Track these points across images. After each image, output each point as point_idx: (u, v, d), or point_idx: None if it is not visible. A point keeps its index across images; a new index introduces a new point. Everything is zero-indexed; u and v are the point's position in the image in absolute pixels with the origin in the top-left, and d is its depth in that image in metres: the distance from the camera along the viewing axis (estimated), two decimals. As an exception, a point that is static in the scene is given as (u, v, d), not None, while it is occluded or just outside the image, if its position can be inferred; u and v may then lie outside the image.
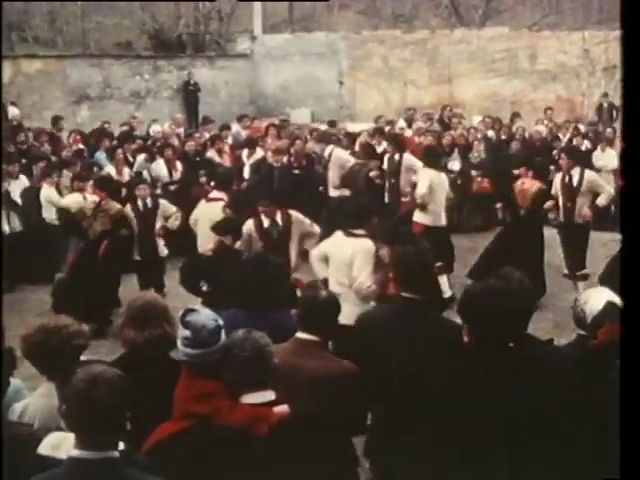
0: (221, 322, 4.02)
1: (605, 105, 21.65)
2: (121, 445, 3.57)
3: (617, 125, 17.92)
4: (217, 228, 8.96)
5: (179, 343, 4.02)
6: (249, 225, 9.16)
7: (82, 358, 4.53)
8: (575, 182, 11.28)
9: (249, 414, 3.81)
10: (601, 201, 11.41)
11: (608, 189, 11.60)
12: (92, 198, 11.27)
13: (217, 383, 3.92)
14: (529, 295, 4.25)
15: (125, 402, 3.23)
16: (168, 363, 4.67)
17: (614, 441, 3.18)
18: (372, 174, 13.10)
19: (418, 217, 11.44)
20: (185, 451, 3.73)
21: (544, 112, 20.77)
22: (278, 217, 9.24)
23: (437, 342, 4.56)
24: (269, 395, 3.91)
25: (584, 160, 12.71)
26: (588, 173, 11.58)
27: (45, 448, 3.62)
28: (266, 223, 9.21)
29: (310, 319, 4.70)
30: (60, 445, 3.58)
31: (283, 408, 3.87)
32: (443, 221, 11.54)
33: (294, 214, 9.37)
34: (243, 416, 3.80)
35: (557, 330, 9.31)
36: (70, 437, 3.39)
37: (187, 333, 3.95)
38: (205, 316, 4.01)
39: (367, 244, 7.52)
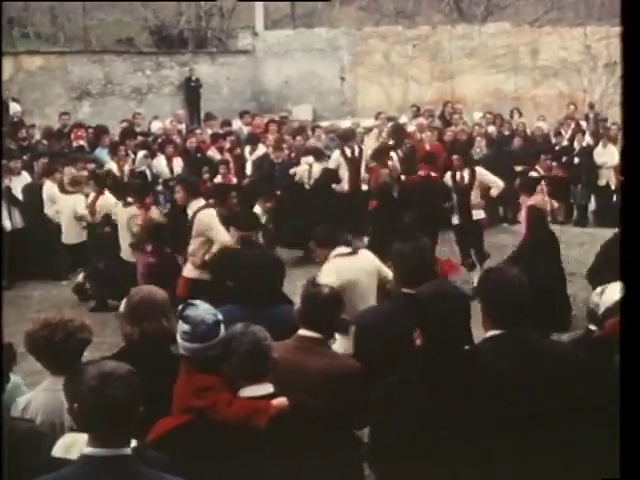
0: (220, 316, 4.02)
1: (591, 116, 21.04)
2: (134, 442, 3.59)
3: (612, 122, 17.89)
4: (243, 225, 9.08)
5: (178, 337, 4.02)
6: None
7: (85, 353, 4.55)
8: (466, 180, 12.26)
9: (247, 407, 3.81)
10: (493, 192, 12.52)
11: (498, 182, 12.56)
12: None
13: (215, 377, 3.92)
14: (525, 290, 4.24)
15: (138, 399, 3.22)
16: (168, 358, 4.68)
17: (614, 441, 3.18)
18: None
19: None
20: (186, 445, 3.73)
21: (567, 107, 20.65)
22: None
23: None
24: (267, 388, 3.91)
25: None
26: (478, 170, 12.54)
27: (58, 450, 3.62)
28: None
29: (312, 316, 4.70)
30: (72, 446, 3.57)
31: (281, 400, 3.87)
32: None
33: None
34: (241, 409, 3.81)
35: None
36: (83, 438, 3.39)
37: (186, 327, 3.96)
38: (204, 310, 4.01)
39: None
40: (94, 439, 3.17)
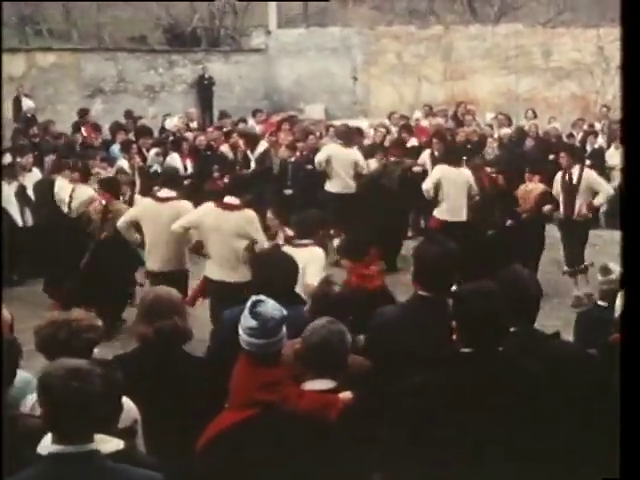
0: (285, 313, 4.07)
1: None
2: (121, 444, 3.60)
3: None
4: None
5: (242, 333, 4.05)
6: None
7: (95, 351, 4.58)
8: (574, 180, 11.69)
9: (318, 400, 3.90)
10: (599, 200, 11.92)
11: (606, 188, 11.97)
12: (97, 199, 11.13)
13: (281, 371, 3.99)
14: (537, 290, 4.30)
15: (106, 394, 3.23)
16: (181, 357, 4.72)
17: (614, 441, 3.19)
18: (415, 169, 13.79)
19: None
20: (253, 438, 3.72)
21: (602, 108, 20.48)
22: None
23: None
24: (329, 383, 3.98)
25: (583, 158, 13.42)
26: (587, 171, 11.97)
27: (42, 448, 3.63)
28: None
29: (322, 315, 4.72)
30: None
31: (347, 394, 3.94)
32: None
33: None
34: (312, 402, 3.89)
35: (568, 328, 9.31)
36: None
37: (254, 323, 3.99)
38: (272, 307, 4.05)
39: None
40: (59, 436, 3.14)
